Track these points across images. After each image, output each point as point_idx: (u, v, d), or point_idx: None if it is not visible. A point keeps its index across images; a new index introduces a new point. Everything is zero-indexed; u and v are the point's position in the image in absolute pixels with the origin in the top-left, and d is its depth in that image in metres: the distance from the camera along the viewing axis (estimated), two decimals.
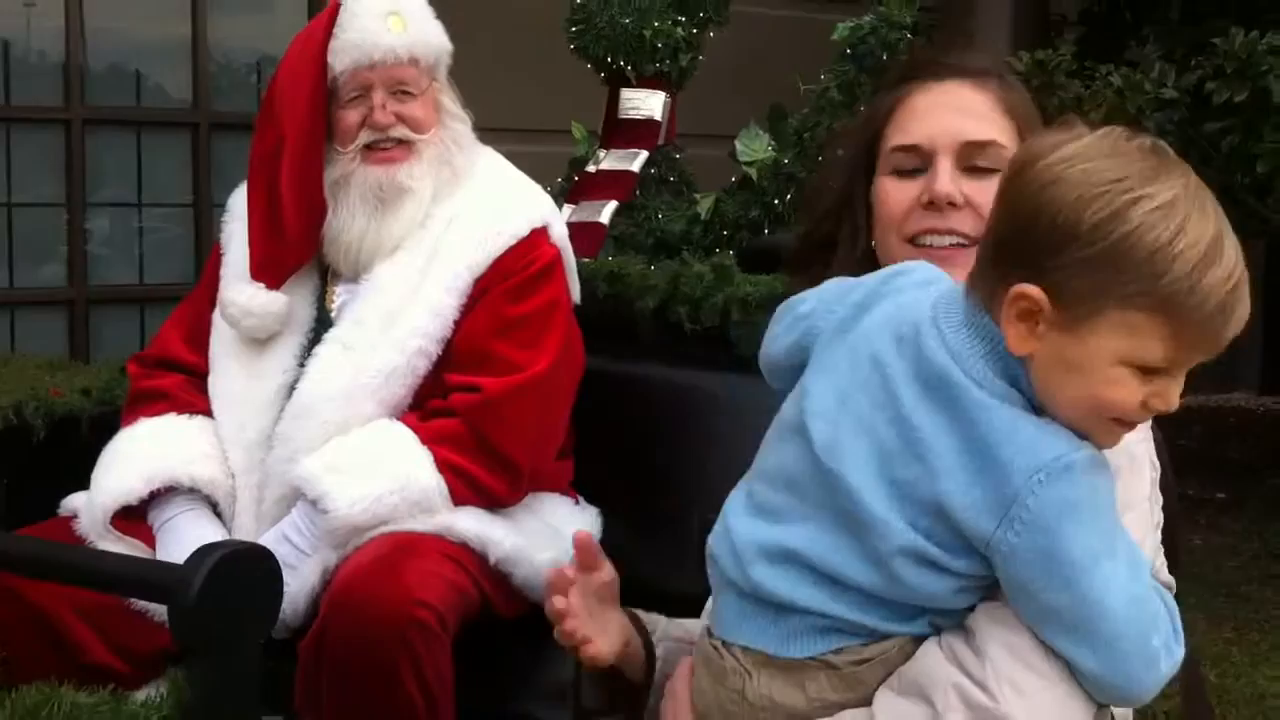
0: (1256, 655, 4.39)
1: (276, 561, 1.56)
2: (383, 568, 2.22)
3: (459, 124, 2.64)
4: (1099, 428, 1.34)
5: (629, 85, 4.08)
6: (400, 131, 2.56)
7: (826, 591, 1.38)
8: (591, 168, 4.03)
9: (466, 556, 2.37)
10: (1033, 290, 1.30)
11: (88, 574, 1.60)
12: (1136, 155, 1.30)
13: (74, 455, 2.83)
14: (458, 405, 2.45)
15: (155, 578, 1.47)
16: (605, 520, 2.75)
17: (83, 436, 2.88)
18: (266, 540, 2.36)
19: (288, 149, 2.54)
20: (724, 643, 1.47)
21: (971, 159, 1.64)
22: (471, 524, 2.40)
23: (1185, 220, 1.27)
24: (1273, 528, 5.98)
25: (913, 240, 1.66)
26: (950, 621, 1.39)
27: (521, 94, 6.53)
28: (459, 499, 2.42)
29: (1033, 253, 1.30)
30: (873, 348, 1.41)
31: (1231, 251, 1.29)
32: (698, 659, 1.53)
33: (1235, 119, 5.17)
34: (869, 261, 1.68)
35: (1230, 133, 5.18)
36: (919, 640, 1.39)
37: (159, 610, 2.26)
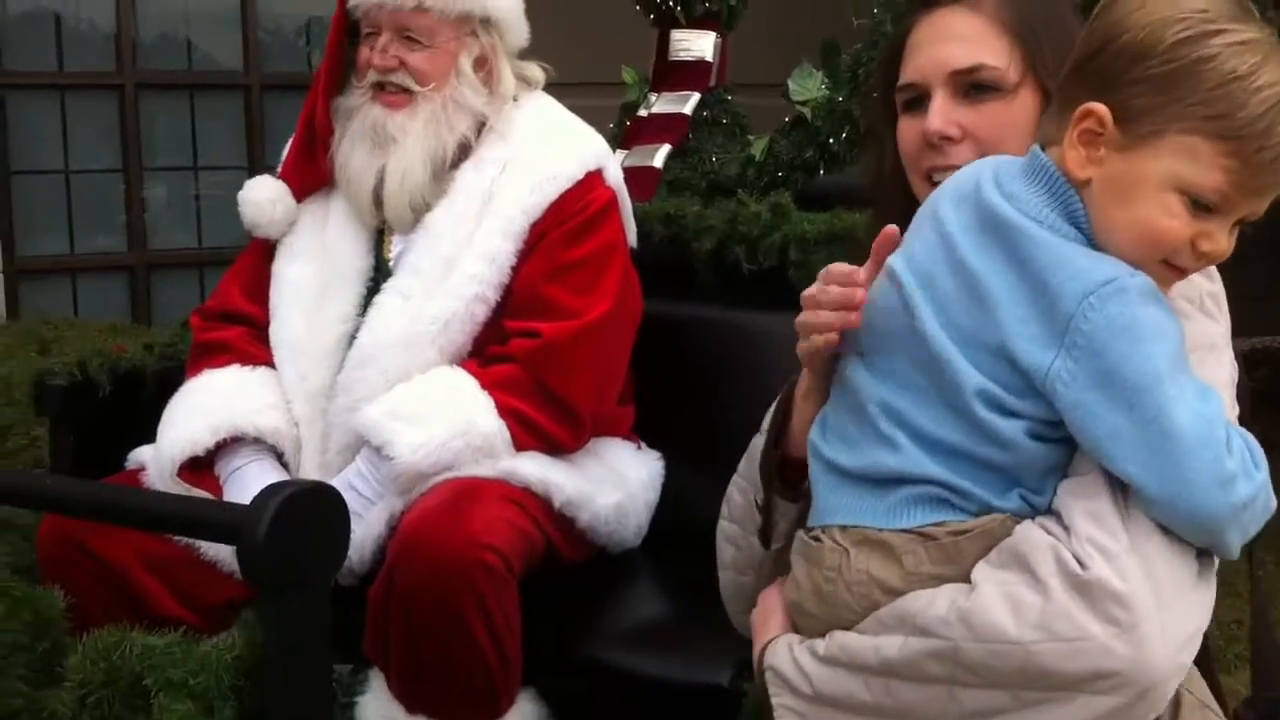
0: None
1: (343, 499, 1.56)
2: (448, 513, 2.22)
3: (469, 89, 2.60)
4: (1151, 268, 1.33)
5: (678, 26, 4.04)
6: (400, 78, 2.56)
7: (924, 450, 1.39)
8: (643, 112, 3.99)
9: (530, 501, 2.37)
10: (1099, 107, 1.32)
11: (156, 517, 1.61)
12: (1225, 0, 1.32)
13: (139, 410, 2.86)
14: (517, 351, 2.44)
15: (223, 518, 1.47)
16: (668, 464, 2.75)
17: (147, 391, 2.89)
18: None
19: (316, 75, 2.64)
20: (822, 528, 1.48)
21: (964, 86, 1.62)
22: (534, 469, 2.40)
23: (1265, 61, 1.28)
24: None
25: (928, 177, 1.64)
26: (1042, 500, 1.39)
27: (571, 43, 6.49)
28: (521, 444, 2.41)
29: (1106, 70, 1.31)
30: (934, 208, 1.44)
31: None
32: (794, 558, 1.53)
33: None
34: (911, 200, 1.65)
35: None
36: (1017, 520, 1.38)
37: (227, 561, 2.28)
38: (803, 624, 1.50)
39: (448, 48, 2.58)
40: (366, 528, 2.34)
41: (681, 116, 3.95)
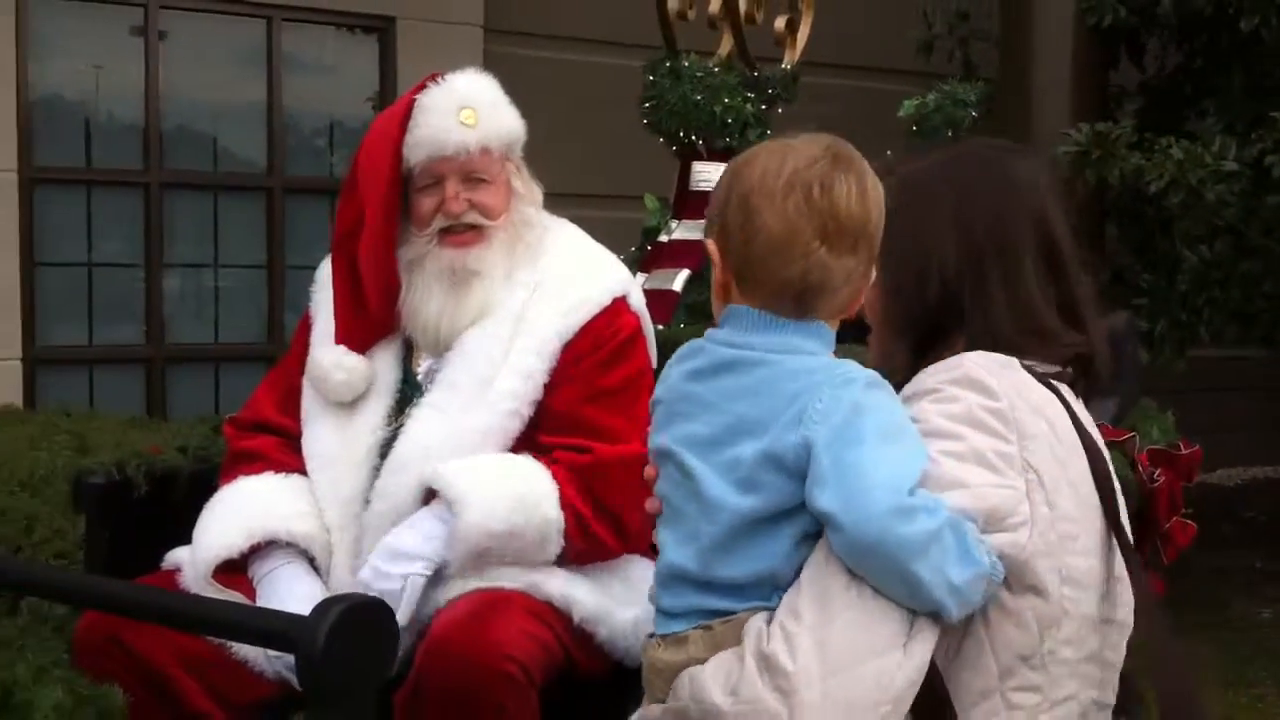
0: None
1: (393, 614, 1.66)
2: (473, 623, 2.32)
3: (528, 206, 2.75)
4: None
5: (700, 159, 4.21)
6: (472, 217, 2.68)
7: (704, 593, 1.65)
8: (664, 237, 4.15)
9: (551, 614, 2.47)
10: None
11: (217, 623, 1.71)
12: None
13: (173, 510, 2.97)
14: (570, 464, 2.56)
15: (282, 627, 1.57)
16: None
17: (180, 492, 3.00)
18: (395, 533, 2.50)
19: (366, 230, 2.68)
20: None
21: None
22: (557, 583, 2.50)
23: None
24: None
25: None
26: None
27: (594, 162, 6.68)
28: (571, 541, 2.53)
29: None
30: (671, 383, 1.75)
31: None
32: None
33: None
34: None
35: None
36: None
37: (256, 661, 2.38)
38: None
39: (503, 178, 2.73)
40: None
41: (700, 243, 4.10)
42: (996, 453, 1.59)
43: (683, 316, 3.83)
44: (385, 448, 2.65)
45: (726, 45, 4.74)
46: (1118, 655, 1.74)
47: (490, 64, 7.39)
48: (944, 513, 1.53)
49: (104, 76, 6.66)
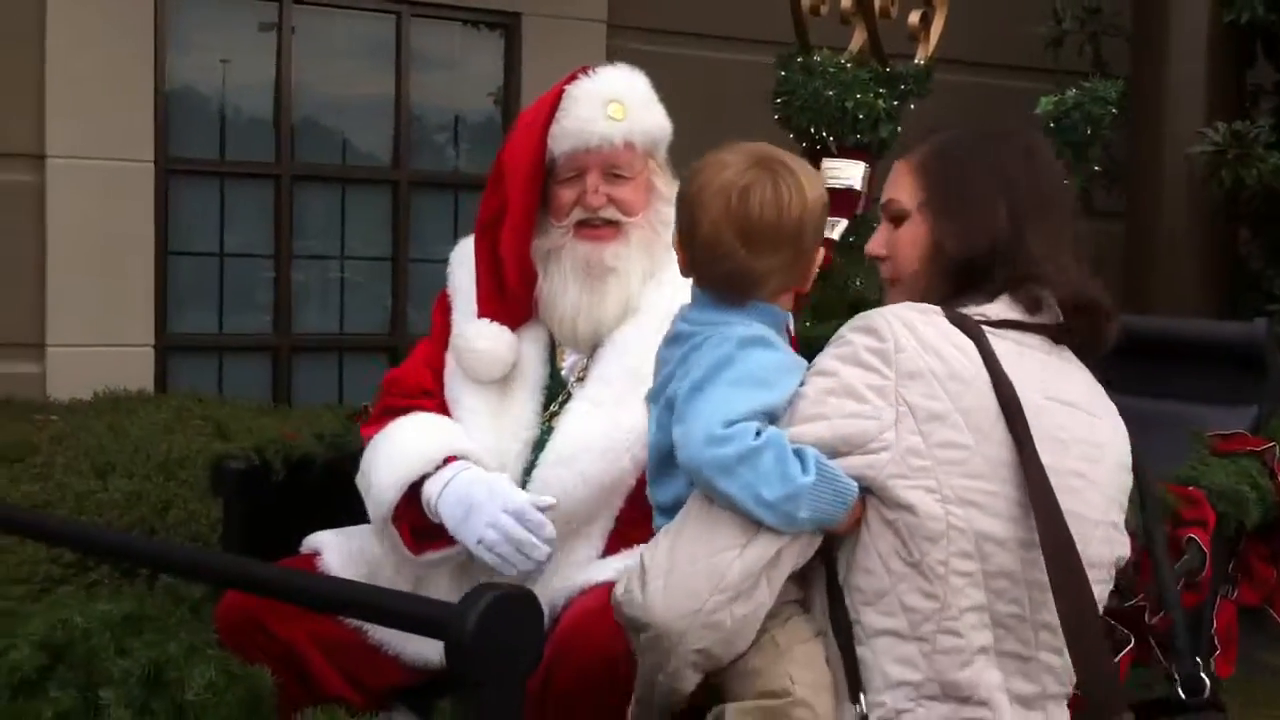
0: None
1: (539, 603, 1.68)
2: (607, 614, 2.33)
3: (667, 206, 2.71)
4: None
5: (831, 155, 4.19)
6: (610, 212, 2.68)
7: (657, 515, 2.01)
8: None
9: None
10: None
11: (368, 607, 1.74)
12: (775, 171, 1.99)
13: (307, 496, 3.04)
14: None
15: (432, 613, 1.60)
16: None
17: (315, 478, 3.06)
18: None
19: (508, 218, 2.70)
20: None
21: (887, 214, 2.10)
22: None
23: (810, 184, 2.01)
24: None
25: None
26: None
27: None
28: None
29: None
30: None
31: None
32: None
33: None
34: None
35: None
36: None
37: (394, 645, 2.42)
38: None
39: (644, 176, 2.72)
40: None
41: (828, 241, 4.09)
42: (868, 385, 1.80)
43: (808, 315, 3.82)
44: (542, 442, 2.65)
45: (858, 41, 4.71)
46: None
47: (613, 59, 7.48)
48: (761, 440, 1.79)
49: (237, 70, 6.81)
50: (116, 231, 6.38)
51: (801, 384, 1.88)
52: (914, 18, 4.82)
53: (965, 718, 1.80)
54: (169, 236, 6.63)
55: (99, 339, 6.41)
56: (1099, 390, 1.97)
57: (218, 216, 6.81)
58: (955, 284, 1.95)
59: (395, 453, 2.55)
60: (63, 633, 1.90)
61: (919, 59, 4.80)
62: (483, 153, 7.33)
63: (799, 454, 1.79)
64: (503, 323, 2.70)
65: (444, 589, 2.53)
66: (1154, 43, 6.54)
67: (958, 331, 1.85)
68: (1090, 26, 7.09)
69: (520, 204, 2.67)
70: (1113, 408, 1.98)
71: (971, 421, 1.79)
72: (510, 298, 2.71)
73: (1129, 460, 1.97)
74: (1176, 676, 2.08)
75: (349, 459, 3.11)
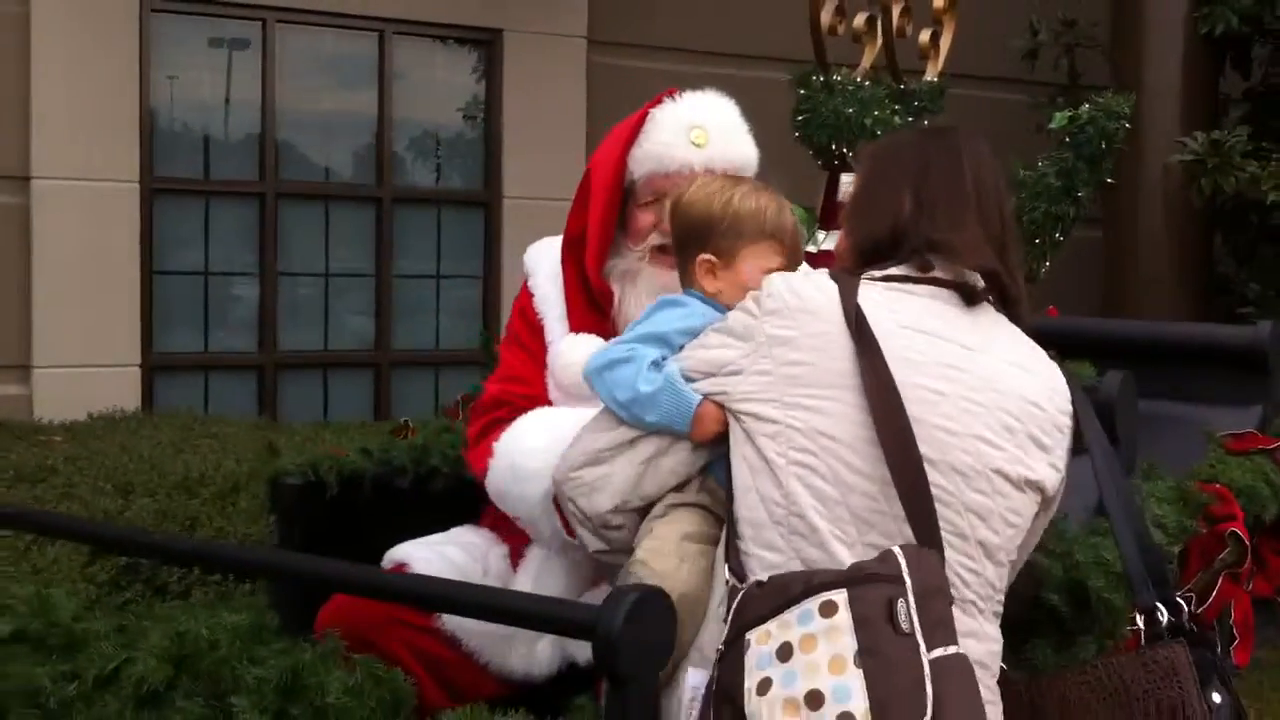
0: None
1: (673, 602, 1.74)
2: None
3: None
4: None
5: (847, 170, 4.28)
6: None
7: None
8: (811, 248, 4.22)
9: None
10: (708, 256, 2.34)
11: (519, 612, 1.79)
12: (719, 181, 2.42)
13: (356, 510, 3.08)
14: None
15: (581, 616, 1.66)
16: None
17: (365, 493, 3.10)
18: None
19: (590, 237, 2.67)
20: None
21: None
22: None
23: (749, 193, 2.37)
24: None
25: None
26: None
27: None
28: None
29: (700, 237, 2.35)
30: None
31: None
32: None
33: None
34: None
35: None
36: None
37: (493, 658, 2.47)
38: None
39: None
40: None
41: (825, 254, 4.18)
42: (743, 325, 2.13)
43: None
44: None
45: (869, 58, 4.82)
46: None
47: (593, 75, 7.56)
48: (625, 354, 2.22)
49: (221, 90, 6.83)
50: (102, 252, 6.39)
51: None
52: (924, 36, 4.92)
53: None
54: (154, 256, 6.63)
55: (86, 359, 6.41)
56: (1021, 344, 2.17)
57: (202, 235, 6.81)
58: (865, 261, 2.21)
59: (539, 442, 2.50)
60: (187, 644, 1.93)
61: (929, 75, 4.91)
62: (465, 168, 7.39)
63: (658, 370, 2.20)
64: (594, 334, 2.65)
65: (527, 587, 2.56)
66: (1129, 53, 6.70)
67: (828, 280, 2.13)
68: (1065, 39, 7.23)
69: (599, 226, 2.66)
70: (1042, 362, 2.18)
71: (816, 343, 2.05)
72: (600, 313, 2.69)
73: (1047, 402, 2.13)
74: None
75: (395, 474, 3.18)
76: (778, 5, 7.41)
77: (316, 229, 7.07)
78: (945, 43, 4.88)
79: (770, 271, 2.25)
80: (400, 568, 2.58)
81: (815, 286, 2.11)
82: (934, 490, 1.95)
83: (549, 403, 2.65)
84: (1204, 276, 6.74)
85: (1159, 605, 2.13)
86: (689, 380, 2.16)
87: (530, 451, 2.48)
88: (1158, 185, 6.48)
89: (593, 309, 2.68)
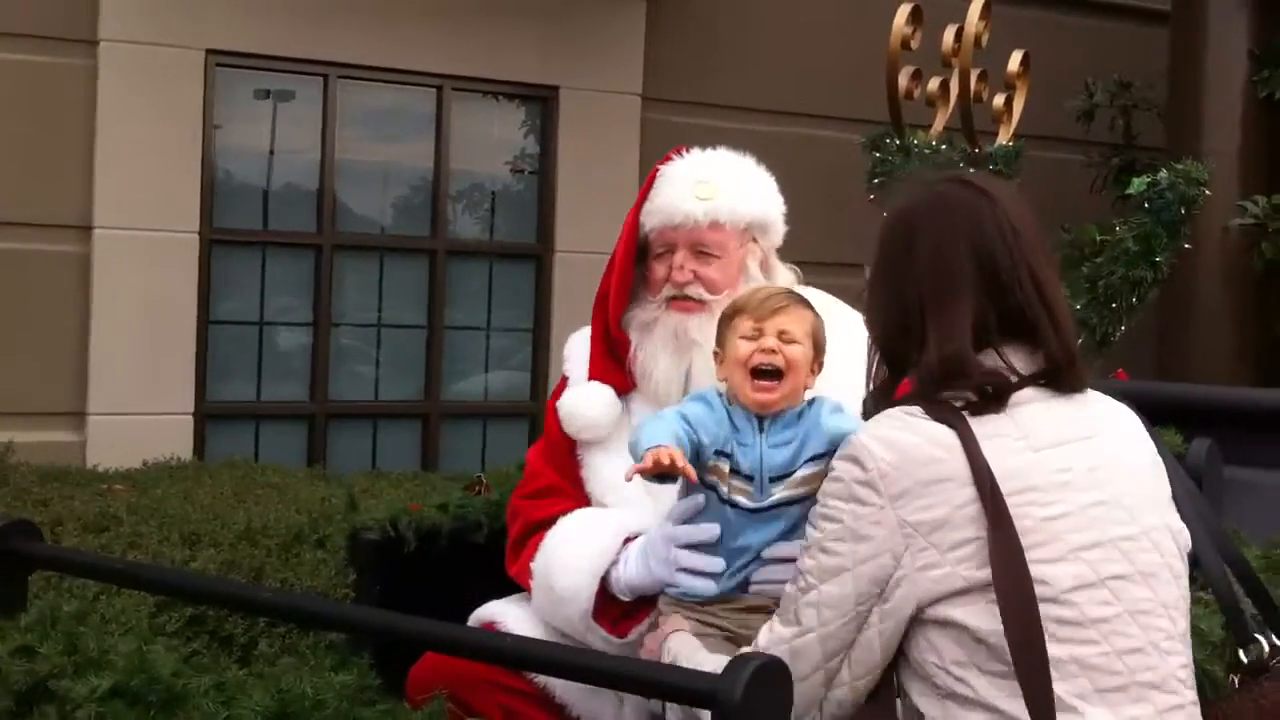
0: None
1: (789, 670, 1.73)
2: None
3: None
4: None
5: None
6: (695, 290, 2.71)
7: None
8: None
9: None
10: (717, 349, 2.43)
11: (639, 680, 1.78)
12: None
13: (433, 565, 3.08)
14: None
15: (701, 685, 1.65)
16: None
17: (441, 548, 3.10)
18: None
19: (612, 294, 2.77)
20: None
21: None
22: None
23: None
24: None
25: None
26: None
27: (818, 234, 6.78)
28: None
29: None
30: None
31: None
32: None
33: None
34: None
35: None
36: None
37: (584, 713, 2.46)
38: None
39: (736, 257, 2.75)
40: None
41: None
42: (871, 521, 1.85)
43: None
44: None
45: (940, 120, 4.84)
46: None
47: (647, 131, 7.59)
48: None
49: (281, 142, 6.89)
50: (160, 301, 6.43)
51: (812, 525, 1.97)
52: (999, 100, 4.95)
53: None
54: (210, 305, 6.68)
55: (140, 407, 6.44)
56: (1099, 402, 2.01)
57: (259, 285, 6.86)
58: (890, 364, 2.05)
59: (571, 560, 2.57)
60: (290, 703, 1.93)
61: (1002, 139, 4.92)
62: (519, 222, 7.42)
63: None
64: (617, 386, 2.76)
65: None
66: (1187, 115, 6.70)
67: (938, 426, 1.88)
68: (1121, 100, 7.25)
69: (617, 278, 2.76)
70: (1122, 413, 2.04)
71: (969, 514, 1.83)
72: (617, 363, 2.77)
73: (1146, 448, 2.01)
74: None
75: (472, 529, 3.18)
76: (833, 65, 7.46)
77: (371, 280, 7.11)
78: (1018, 106, 4.90)
79: (743, 338, 2.33)
80: (490, 625, 2.58)
81: (930, 443, 1.87)
82: (1145, 604, 1.86)
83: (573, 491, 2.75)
84: (1264, 341, 6.71)
85: (1265, 636, 2.08)
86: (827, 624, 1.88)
87: (563, 570, 2.56)
88: (1215, 249, 6.47)
89: (610, 357, 2.77)
